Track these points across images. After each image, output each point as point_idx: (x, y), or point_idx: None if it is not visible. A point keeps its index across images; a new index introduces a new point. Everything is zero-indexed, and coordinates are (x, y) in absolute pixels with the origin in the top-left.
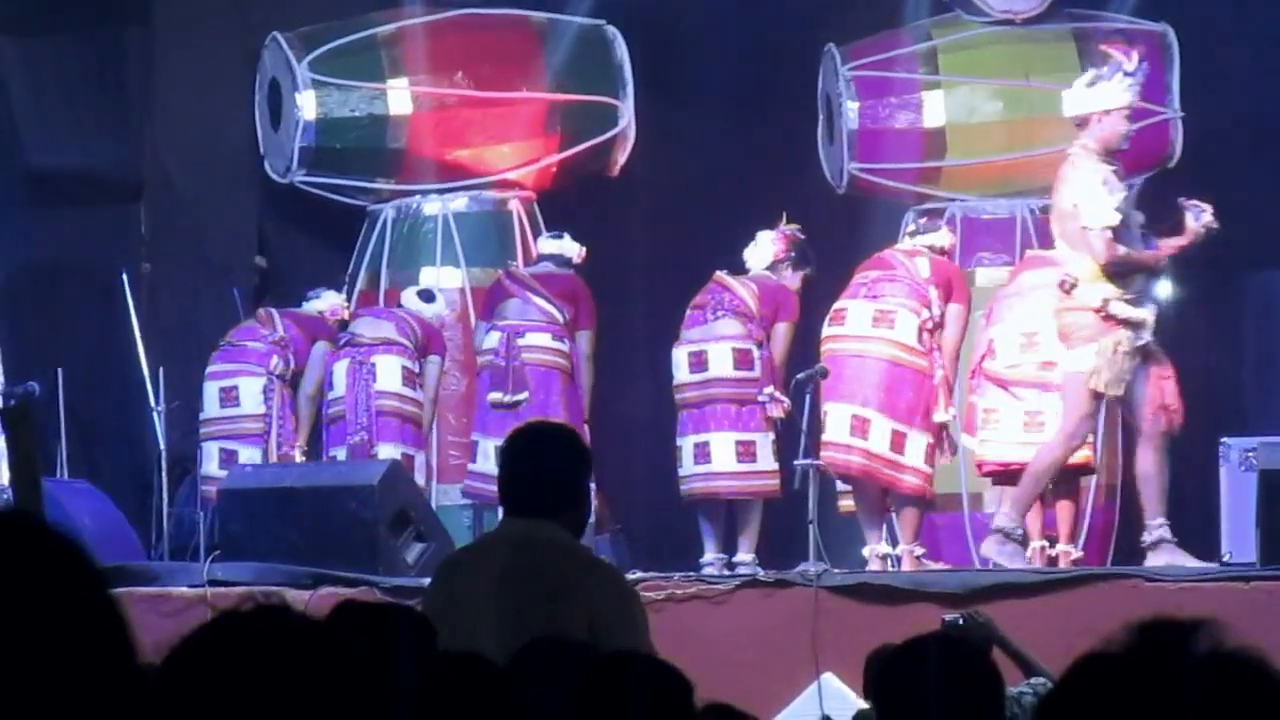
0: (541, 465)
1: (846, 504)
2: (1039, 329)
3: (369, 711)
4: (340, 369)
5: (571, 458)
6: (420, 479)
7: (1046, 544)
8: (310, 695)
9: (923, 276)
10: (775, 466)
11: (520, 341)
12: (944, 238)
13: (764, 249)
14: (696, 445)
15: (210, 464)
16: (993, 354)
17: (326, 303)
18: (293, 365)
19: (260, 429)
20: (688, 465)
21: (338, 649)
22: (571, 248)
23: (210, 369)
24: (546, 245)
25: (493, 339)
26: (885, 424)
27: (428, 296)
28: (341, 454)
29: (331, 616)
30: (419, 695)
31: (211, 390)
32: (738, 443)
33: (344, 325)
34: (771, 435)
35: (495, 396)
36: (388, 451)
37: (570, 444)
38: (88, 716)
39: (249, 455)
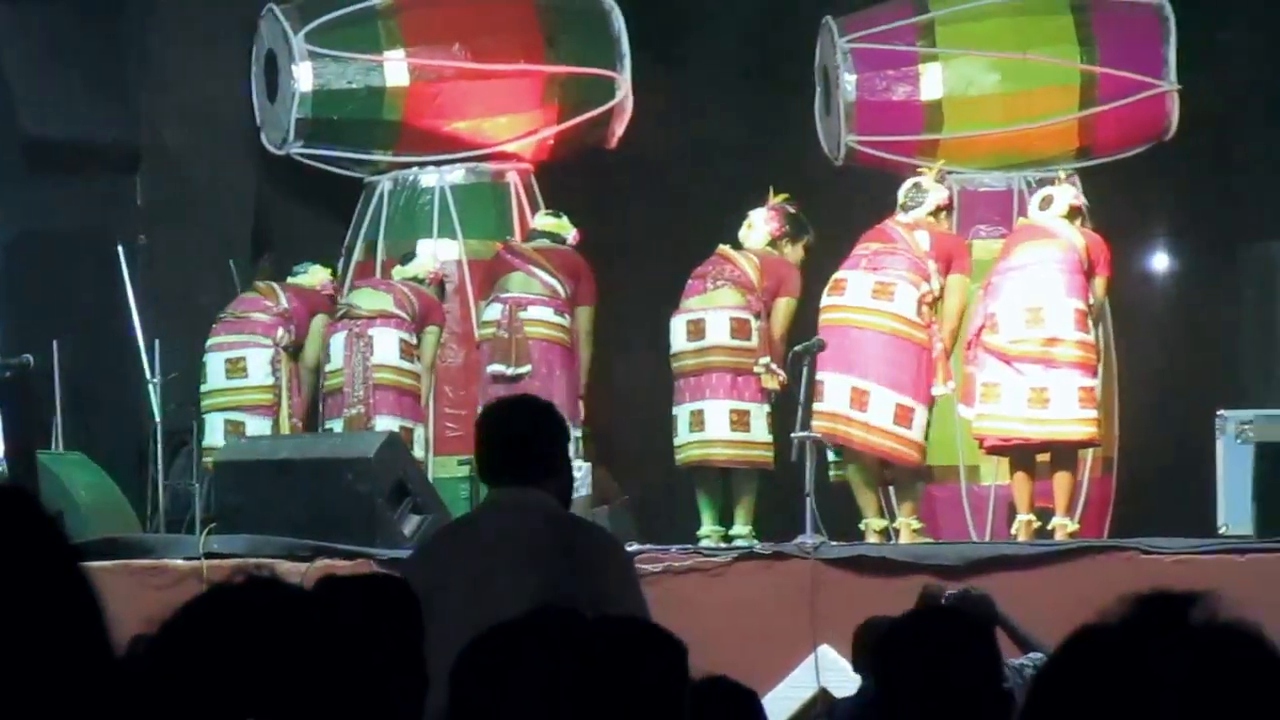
0: (521, 434)
1: (839, 474)
2: (1043, 304)
3: (355, 681)
4: (337, 341)
5: (547, 426)
6: (418, 451)
7: (1033, 517)
8: (300, 665)
9: (922, 250)
10: (769, 439)
11: (522, 315)
12: (937, 198)
13: (759, 229)
14: (692, 413)
15: (214, 435)
16: (995, 328)
17: (315, 278)
18: (294, 337)
19: (269, 400)
20: (683, 433)
21: (327, 620)
22: (568, 228)
23: (213, 340)
24: (542, 221)
25: (494, 311)
26: (887, 397)
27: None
28: (338, 426)
29: (316, 589)
30: (405, 664)
31: (216, 362)
32: (731, 411)
33: (332, 300)
34: (766, 407)
35: (497, 368)
36: (385, 424)
37: (545, 413)
38: (50, 690)
39: (257, 426)
